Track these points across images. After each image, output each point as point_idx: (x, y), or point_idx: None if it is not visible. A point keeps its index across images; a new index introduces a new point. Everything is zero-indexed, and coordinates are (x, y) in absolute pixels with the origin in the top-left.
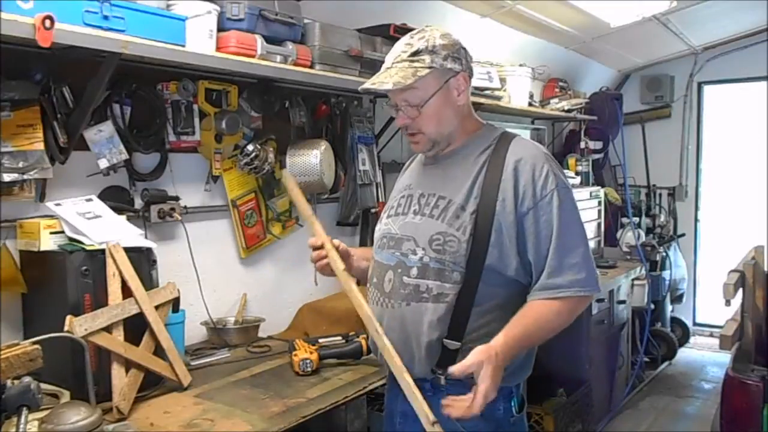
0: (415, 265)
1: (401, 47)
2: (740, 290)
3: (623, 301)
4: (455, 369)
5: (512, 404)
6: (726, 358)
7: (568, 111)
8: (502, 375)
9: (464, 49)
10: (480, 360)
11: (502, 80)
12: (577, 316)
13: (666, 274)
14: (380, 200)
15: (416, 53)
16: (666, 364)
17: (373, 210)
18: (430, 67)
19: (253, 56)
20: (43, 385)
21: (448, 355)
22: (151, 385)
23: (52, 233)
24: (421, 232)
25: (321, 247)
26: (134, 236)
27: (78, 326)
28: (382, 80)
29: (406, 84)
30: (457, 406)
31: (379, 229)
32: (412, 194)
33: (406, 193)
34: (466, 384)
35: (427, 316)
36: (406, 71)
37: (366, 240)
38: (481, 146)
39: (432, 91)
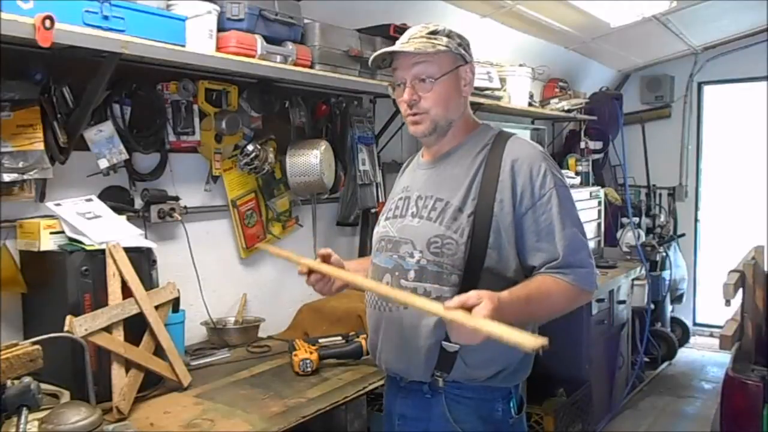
0: (412, 268)
1: (417, 28)
2: (740, 290)
3: (623, 301)
4: (454, 300)
5: (511, 405)
6: (726, 358)
7: (568, 111)
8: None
9: (469, 46)
10: (480, 295)
11: (502, 80)
12: (573, 309)
13: (666, 274)
14: (380, 200)
15: (434, 33)
16: (666, 364)
17: (373, 210)
18: (446, 47)
19: (253, 56)
20: (43, 385)
21: (447, 358)
22: (151, 385)
23: (52, 233)
24: (419, 235)
25: (309, 273)
26: (134, 236)
27: (78, 326)
28: (403, 47)
29: (428, 52)
30: (458, 325)
31: (377, 231)
32: (410, 196)
33: (403, 196)
34: (464, 386)
35: (426, 319)
36: (426, 44)
37: (366, 240)
38: (477, 146)
39: (445, 71)
